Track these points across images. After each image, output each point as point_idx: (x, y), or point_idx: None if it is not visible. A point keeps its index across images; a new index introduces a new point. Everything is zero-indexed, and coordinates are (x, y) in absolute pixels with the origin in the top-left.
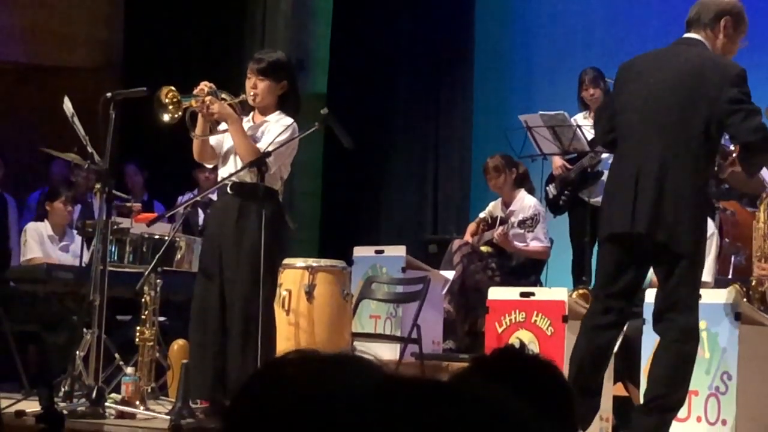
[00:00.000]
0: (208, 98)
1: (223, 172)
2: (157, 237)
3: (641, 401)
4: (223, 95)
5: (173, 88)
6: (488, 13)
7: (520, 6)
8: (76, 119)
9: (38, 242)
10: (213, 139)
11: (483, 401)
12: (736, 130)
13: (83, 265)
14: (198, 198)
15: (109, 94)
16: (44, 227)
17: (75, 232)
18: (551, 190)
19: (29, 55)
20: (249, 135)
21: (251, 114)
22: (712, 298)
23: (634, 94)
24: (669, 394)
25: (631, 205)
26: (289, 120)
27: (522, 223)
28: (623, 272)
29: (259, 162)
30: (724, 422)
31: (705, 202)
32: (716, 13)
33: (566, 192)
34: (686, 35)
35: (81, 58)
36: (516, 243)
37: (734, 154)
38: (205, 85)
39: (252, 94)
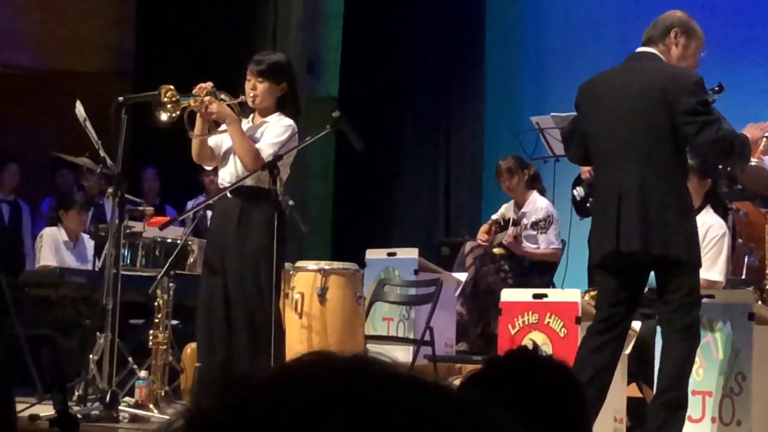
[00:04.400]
0: (206, 98)
1: (223, 174)
2: (169, 241)
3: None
4: (222, 96)
5: (172, 87)
6: (499, 15)
7: (531, 8)
8: (88, 124)
9: (53, 249)
10: (212, 140)
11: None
12: (692, 144)
13: (96, 269)
14: (210, 201)
15: (120, 99)
16: (59, 233)
17: (87, 236)
18: (578, 192)
19: (41, 61)
20: (248, 135)
21: (251, 116)
22: (726, 298)
23: (599, 118)
24: (677, 388)
25: (615, 228)
26: (289, 121)
27: (535, 225)
28: (622, 291)
29: (270, 166)
30: (738, 423)
31: (690, 204)
32: (665, 28)
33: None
34: (640, 49)
35: (93, 63)
36: (527, 245)
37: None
38: (204, 85)
39: (251, 95)
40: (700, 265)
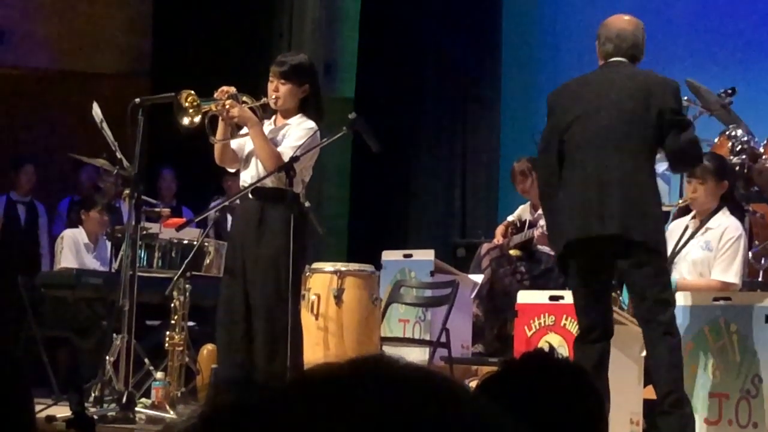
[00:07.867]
0: (228, 102)
1: (244, 176)
2: (185, 242)
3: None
4: (244, 98)
5: (193, 92)
6: (516, 15)
7: (548, 8)
8: (105, 125)
9: (74, 250)
10: (234, 143)
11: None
12: (674, 141)
13: (112, 270)
14: (226, 203)
15: (137, 100)
16: (80, 234)
17: (105, 238)
18: None
19: (58, 62)
20: (269, 138)
21: (273, 117)
22: (742, 300)
23: (580, 112)
24: (678, 389)
25: (599, 210)
26: (311, 123)
27: None
28: (592, 281)
29: (286, 167)
30: (755, 425)
31: (660, 200)
32: (641, 45)
33: None
34: (616, 59)
35: (110, 64)
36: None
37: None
38: (225, 89)
39: (273, 97)
40: (666, 259)
